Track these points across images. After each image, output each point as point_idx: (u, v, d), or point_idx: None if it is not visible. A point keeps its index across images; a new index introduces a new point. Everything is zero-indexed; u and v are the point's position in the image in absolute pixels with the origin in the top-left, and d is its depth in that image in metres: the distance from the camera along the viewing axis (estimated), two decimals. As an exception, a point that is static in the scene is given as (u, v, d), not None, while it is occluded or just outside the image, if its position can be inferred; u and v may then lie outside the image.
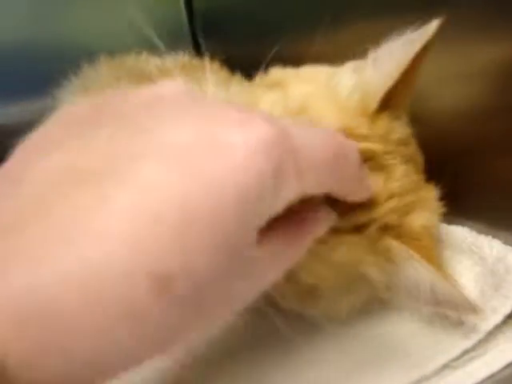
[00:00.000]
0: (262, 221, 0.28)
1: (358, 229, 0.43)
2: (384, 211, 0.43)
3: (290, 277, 0.42)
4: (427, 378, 0.51)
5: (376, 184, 0.43)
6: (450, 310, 0.46)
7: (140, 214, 0.23)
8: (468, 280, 0.59)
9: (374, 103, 0.43)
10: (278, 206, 0.28)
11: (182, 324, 0.24)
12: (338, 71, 0.49)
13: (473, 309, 0.45)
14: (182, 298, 0.24)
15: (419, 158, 0.50)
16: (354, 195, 0.39)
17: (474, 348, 0.52)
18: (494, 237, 0.57)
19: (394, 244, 0.43)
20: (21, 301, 0.21)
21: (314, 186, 0.31)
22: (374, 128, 0.44)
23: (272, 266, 0.30)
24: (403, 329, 0.56)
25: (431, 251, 0.44)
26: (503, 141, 0.53)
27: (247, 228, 0.26)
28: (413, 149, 0.49)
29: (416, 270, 0.43)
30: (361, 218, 0.42)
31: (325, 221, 0.37)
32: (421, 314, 0.56)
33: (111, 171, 0.24)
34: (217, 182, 0.24)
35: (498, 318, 0.53)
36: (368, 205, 0.42)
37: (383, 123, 0.44)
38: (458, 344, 0.52)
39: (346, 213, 0.40)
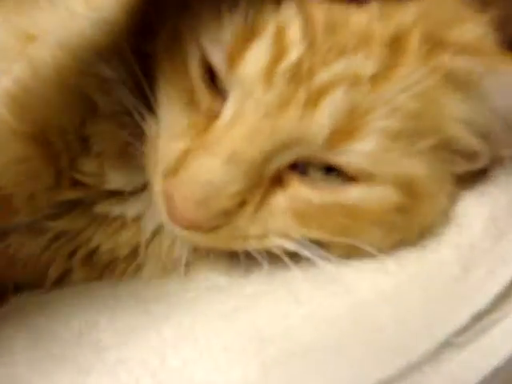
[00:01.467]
0: None
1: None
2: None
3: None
4: (418, 364, 0.32)
5: None
6: None
7: None
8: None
9: None
10: None
11: None
12: None
13: None
14: None
15: None
16: None
17: (487, 312, 0.33)
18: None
19: (461, 61, 0.37)
20: None
21: None
22: None
23: None
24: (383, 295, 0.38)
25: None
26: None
27: None
28: None
29: (498, 79, 0.37)
30: None
31: None
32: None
33: None
34: None
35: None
36: None
37: None
38: (463, 308, 0.31)
39: None
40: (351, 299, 0.38)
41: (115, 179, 0.45)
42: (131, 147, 0.44)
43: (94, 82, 0.45)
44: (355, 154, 0.36)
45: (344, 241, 0.38)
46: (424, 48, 0.36)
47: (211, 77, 0.39)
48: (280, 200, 0.38)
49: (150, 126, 0.42)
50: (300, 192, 0.38)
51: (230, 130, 0.36)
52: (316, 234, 0.39)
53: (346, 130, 0.35)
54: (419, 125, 0.36)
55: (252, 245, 0.39)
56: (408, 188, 0.38)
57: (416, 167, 0.37)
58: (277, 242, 0.39)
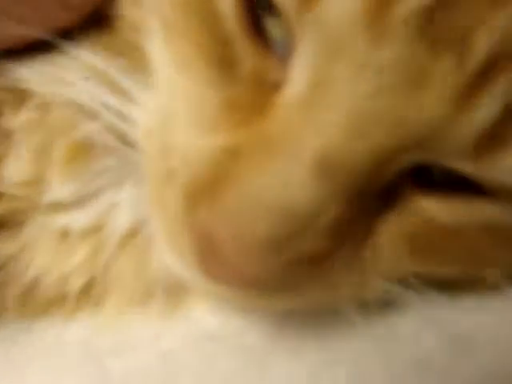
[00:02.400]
0: None
1: None
2: None
3: None
4: None
5: None
6: None
7: None
8: None
9: None
10: None
11: None
12: None
13: None
14: None
15: None
16: None
17: None
18: None
19: None
20: None
21: None
22: None
23: None
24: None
25: None
26: None
27: None
28: None
29: None
30: None
31: None
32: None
33: None
34: None
35: None
36: None
37: None
38: None
39: None
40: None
41: (61, 188, 0.32)
42: (89, 143, 0.31)
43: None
44: (508, 170, 0.22)
45: (472, 272, 0.26)
46: None
47: (256, 19, 0.23)
48: (393, 225, 0.24)
49: (146, 110, 0.27)
50: (422, 208, 0.24)
51: (311, 113, 0.21)
52: (436, 268, 0.25)
53: (502, 133, 0.21)
54: None
55: (342, 298, 0.26)
56: None
57: None
58: (380, 287, 0.25)
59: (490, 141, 0.21)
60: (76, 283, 0.33)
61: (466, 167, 0.22)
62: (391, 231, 0.24)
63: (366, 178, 0.22)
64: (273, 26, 0.23)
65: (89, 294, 0.33)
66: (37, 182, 0.31)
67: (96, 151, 0.31)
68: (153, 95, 0.27)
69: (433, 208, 0.24)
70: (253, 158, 0.21)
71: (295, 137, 0.21)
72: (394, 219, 0.24)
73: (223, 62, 0.24)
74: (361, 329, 0.25)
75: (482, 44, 0.19)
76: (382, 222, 0.24)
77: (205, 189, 0.22)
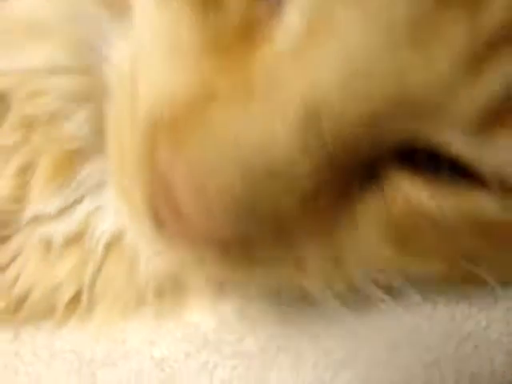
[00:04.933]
0: None
1: None
2: None
3: None
4: None
5: None
6: None
7: None
8: None
9: None
10: None
11: None
12: None
13: None
14: None
15: None
16: None
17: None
18: None
19: None
20: None
21: None
22: None
23: None
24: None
25: None
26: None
27: None
28: None
29: None
30: None
31: None
32: None
33: None
34: None
35: None
36: None
37: None
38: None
39: None
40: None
41: (45, 202, 0.30)
42: (72, 152, 0.29)
43: None
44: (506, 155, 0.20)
45: (459, 271, 0.24)
46: None
47: None
48: (374, 207, 0.22)
49: (121, 53, 0.24)
50: (407, 192, 0.21)
51: (303, 62, 0.19)
52: (419, 263, 0.23)
53: (507, 110, 0.19)
54: None
55: (316, 284, 0.24)
56: None
57: None
58: (359, 278, 0.23)
59: (493, 118, 0.19)
60: (65, 294, 0.31)
61: (461, 146, 0.20)
62: (372, 213, 0.22)
63: (353, 144, 0.19)
64: None
65: (79, 302, 0.32)
66: (20, 197, 0.30)
67: (79, 158, 0.29)
68: (130, 37, 0.24)
69: (418, 193, 0.21)
70: (230, 102, 0.19)
71: (281, 84, 0.19)
72: (376, 201, 0.22)
73: (208, 2, 0.21)
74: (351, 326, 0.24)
75: (498, 5, 0.18)
76: (363, 201, 0.22)
77: (169, 128, 0.20)
